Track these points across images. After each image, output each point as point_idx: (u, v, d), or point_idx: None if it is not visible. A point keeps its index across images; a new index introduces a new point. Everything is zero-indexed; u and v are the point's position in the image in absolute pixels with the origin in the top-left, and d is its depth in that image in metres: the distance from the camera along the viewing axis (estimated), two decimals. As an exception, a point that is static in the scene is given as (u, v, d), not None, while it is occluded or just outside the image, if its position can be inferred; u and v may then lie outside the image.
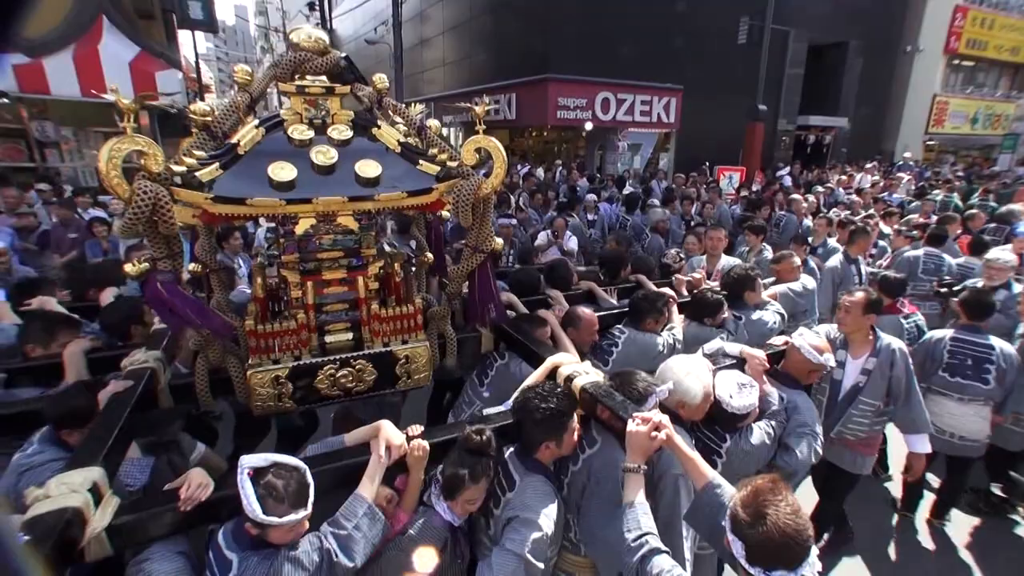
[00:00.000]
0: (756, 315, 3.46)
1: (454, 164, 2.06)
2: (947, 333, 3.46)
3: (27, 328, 2.64)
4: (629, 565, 1.55)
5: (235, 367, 2.19)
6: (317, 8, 19.17)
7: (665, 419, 1.71)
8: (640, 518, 1.61)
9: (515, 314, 2.98)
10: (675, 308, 3.29)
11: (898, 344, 2.94)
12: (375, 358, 2.27)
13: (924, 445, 2.95)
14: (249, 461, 1.47)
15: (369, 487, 1.67)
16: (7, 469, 1.82)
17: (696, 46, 16.24)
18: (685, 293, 3.73)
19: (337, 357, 2.21)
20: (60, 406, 1.90)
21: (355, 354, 2.23)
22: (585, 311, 3.04)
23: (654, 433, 1.67)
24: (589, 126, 15.76)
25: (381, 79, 2.15)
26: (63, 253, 5.92)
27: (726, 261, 4.55)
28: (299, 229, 2.15)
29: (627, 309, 3.25)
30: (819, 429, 2.41)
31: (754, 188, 12.02)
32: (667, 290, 3.54)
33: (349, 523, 1.58)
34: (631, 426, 1.70)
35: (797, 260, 4.27)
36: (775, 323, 3.49)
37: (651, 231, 6.93)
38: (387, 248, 2.54)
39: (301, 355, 2.16)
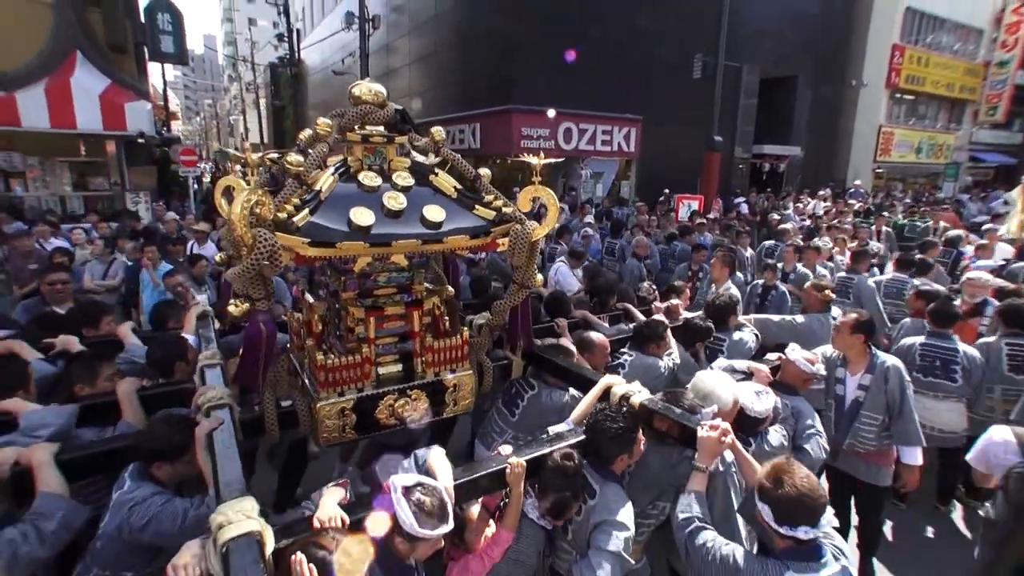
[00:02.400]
0: (737, 336, 3.96)
1: (509, 210, 2.37)
2: (917, 340, 4.04)
3: (72, 369, 2.76)
4: (680, 540, 1.92)
5: (299, 400, 2.38)
6: (286, 39, 19.39)
7: (727, 426, 2.06)
8: (692, 504, 1.97)
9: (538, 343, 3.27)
10: (670, 334, 3.67)
11: (893, 361, 3.25)
12: (428, 387, 2.52)
13: (916, 457, 3.23)
14: (400, 480, 1.68)
15: None
16: (112, 505, 1.95)
17: (655, 78, 17.23)
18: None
19: (395, 387, 2.44)
20: (160, 441, 2.04)
21: (411, 384, 2.47)
22: (600, 337, 3.39)
23: (724, 438, 2.02)
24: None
25: (439, 131, 2.45)
26: (23, 285, 5.81)
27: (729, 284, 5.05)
28: (357, 267, 2.40)
29: (630, 335, 3.66)
30: (820, 427, 2.86)
31: (711, 216, 12.78)
32: (661, 317, 3.98)
33: None
34: (702, 432, 2.04)
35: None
36: (752, 343, 3.99)
37: (631, 256, 7.40)
38: (427, 285, 2.80)
39: (363, 387, 2.38)
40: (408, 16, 20.65)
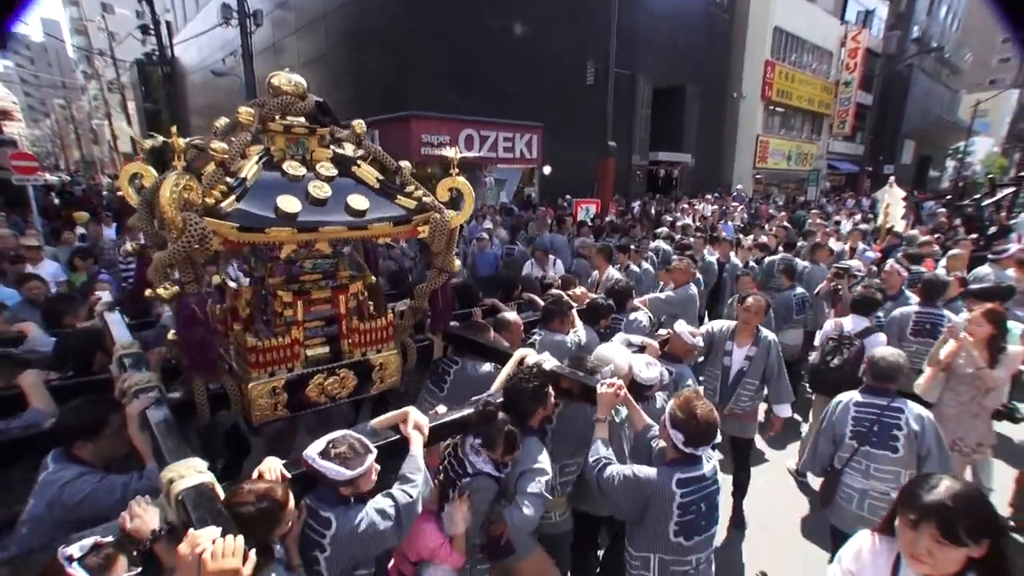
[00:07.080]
0: (632, 316, 4.63)
1: (429, 200, 2.69)
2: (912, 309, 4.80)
3: None
4: (592, 479, 2.39)
5: (229, 382, 2.54)
6: (152, 32, 18.09)
7: (621, 383, 2.54)
8: (599, 448, 2.47)
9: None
10: (575, 314, 4.16)
11: (772, 336, 4.07)
12: (355, 366, 2.77)
13: (787, 411, 4.16)
14: (311, 450, 1.95)
15: (418, 451, 2.23)
16: (38, 487, 2.00)
17: (553, 87, 18.23)
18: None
19: (324, 367, 2.66)
20: (82, 417, 2.13)
21: (339, 363, 2.71)
22: (515, 316, 3.82)
23: (618, 393, 2.50)
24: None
25: (360, 124, 2.73)
26: None
27: (610, 273, 5.81)
28: (283, 254, 2.60)
29: (539, 316, 4.13)
30: (697, 388, 3.43)
31: (608, 219, 13.80)
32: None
33: (414, 475, 2.14)
34: (601, 389, 2.51)
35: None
36: (646, 322, 4.67)
37: (574, 257, 8.15)
38: (350, 271, 3.04)
39: (293, 367, 2.59)
40: (295, 13, 20.22)
